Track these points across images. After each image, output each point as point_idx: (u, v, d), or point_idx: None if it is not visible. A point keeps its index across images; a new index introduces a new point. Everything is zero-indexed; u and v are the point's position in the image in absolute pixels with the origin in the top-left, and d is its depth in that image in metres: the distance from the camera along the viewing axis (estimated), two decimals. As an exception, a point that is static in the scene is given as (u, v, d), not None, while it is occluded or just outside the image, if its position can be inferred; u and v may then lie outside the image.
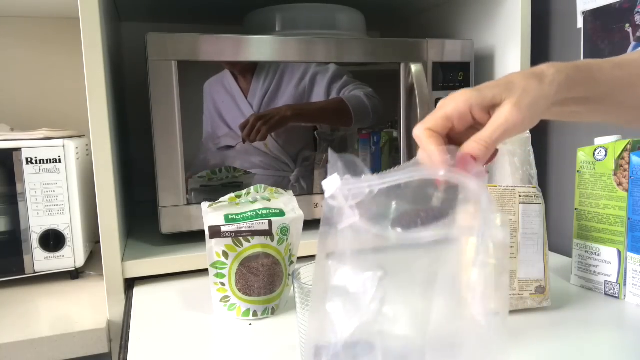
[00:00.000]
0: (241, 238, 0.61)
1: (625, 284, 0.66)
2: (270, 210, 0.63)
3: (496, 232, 0.38)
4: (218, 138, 0.80)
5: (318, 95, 0.83)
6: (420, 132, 0.44)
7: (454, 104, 0.44)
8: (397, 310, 0.38)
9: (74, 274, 0.83)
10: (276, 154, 0.83)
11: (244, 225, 0.61)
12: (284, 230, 0.63)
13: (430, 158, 0.43)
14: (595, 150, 0.68)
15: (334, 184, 0.39)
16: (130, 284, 0.73)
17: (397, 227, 0.39)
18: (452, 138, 0.46)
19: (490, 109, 0.44)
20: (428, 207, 0.40)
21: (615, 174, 0.66)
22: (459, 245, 0.39)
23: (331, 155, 0.41)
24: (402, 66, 0.87)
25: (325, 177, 0.40)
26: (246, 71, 0.80)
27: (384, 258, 0.39)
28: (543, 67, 0.44)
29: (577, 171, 0.71)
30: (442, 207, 0.40)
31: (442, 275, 0.39)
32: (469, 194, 0.39)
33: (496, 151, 0.46)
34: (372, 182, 0.39)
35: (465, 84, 0.91)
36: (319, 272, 0.40)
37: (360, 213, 0.39)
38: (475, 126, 0.45)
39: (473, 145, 0.43)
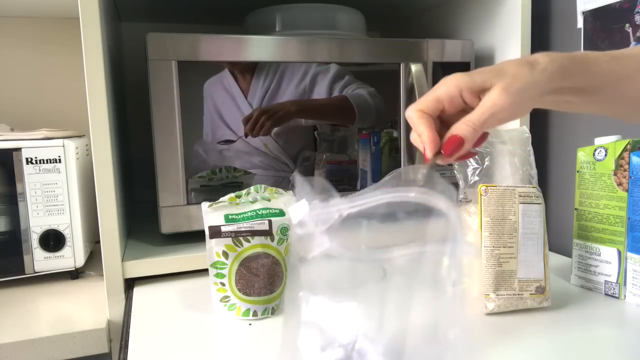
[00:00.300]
0: (241, 238, 0.61)
1: (625, 284, 0.66)
2: (270, 210, 0.63)
3: (468, 249, 0.38)
4: (218, 138, 0.80)
5: (319, 95, 0.83)
6: (412, 112, 0.46)
7: (445, 87, 0.46)
8: (372, 340, 0.38)
9: (74, 274, 0.83)
10: (276, 154, 0.83)
11: (244, 225, 0.61)
12: (284, 230, 0.63)
13: (420, 137, 0.45)
14: (595, 150, 0.68)
15: (302, 210, 0.38)
16: (130, 284, 0.73)
17: (369, 249, 0.39)
18: (444, 120, 0.47)
19: (481, 93, 0.45)
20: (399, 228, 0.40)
21: (615, 174, 0.66)
22: (431, 265, 0.38)
23: (297, 179, 0.40)
24: (402, 66, 0.87)
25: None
26: (246, 71, 0.80)
27: (358, 283, 0.38)
28: (537, 56, 0.45)
29: (577, 171, 0.71)
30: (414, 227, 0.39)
31: (417, 297, 0.38)
32: (439, 212, 0.39)
33: (485, 135, 0.47)
34: (341, 206, 0.38)
35: (465, 84, 0.91)
36: (291, 306, 0.39)
37: (331, 239, 0.38)
38: (467, 109, 0.46)
39: (461, 126, 0.44)
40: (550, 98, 0.47)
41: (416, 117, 0.46)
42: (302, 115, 0.83)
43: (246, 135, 0.80)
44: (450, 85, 0.45)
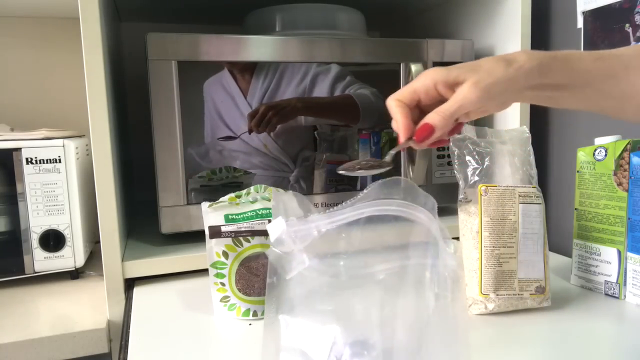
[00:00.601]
0: (241, 238, 0.61)
1: (625, 284, 0.66)
2: (270, 210, 0.63)
3: (450, 261, 0.38)
4: (217, 138, 0.80)
5: (320, 95, 0.83)
6: (390, 101, 0.51)
7: (423, 79, 0.50)
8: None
9: (74, 274, 0.83)
10: (276, 154, 0.83)
11: (244, 225, 0.61)
12: (284, 230, 0.63)
13: (397, 123, 0.50)
14: (595, 150, 0.68)
15: (279, 227, 0.38)
16: (130, 284, 0.73)
17: (348, 265, 0.38)
18: (423, 110, 0.51)
19: (455, 86, 0.48)
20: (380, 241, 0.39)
21: (615, 174, 0.66)
22: (413, 280, 0.38)
23: (274, 195, 0.40)
24: (402, 66, 0.87)
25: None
26: (245, 71, 0.80)
27: (339, 302, 0.37)
28: (516, 53, 0.48)
29: (577, 171, 0.71)
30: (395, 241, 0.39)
31: (401, 311, 0.37)
32: (420, 226, 0.39)
33: (459, 125, 0.52)
34: (320, 222, 0.38)
35: (465, 84, 0.91)
36: (269, 330, 0.38)
37: (309, 257, 0.37)
38: (443, 101, 0.49)
39: (432, 116, 0.48)
40: (530, 93, 0.49)
41: (394, 105, 0.50)
42: (307, 113, 0.83)
43: (250, 131, 0.80)
44: (427, 78, 0.49)
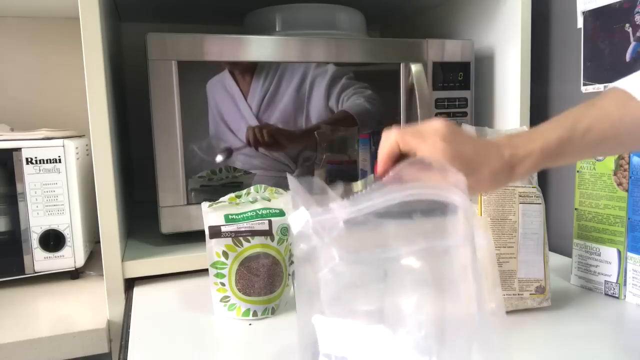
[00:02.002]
0: (241, 238, 0.61)
1: (625, 284, 0.66)
2: (270, 210, 0.63)
3: (480, 240, 0.36)
4: (219, 138, 0.80)
5: (317, 97, 0.83)
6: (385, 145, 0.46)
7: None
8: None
9: (74, 274, 0.83)
10: (276, 155, 0.83)
11: (244, 225, 0.61)
12: (284, 230, 0.63)
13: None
14: (595, 150, 0.68)
15: (302, 219, 0.33)
16: (130, 284, 0.73)
17: (383, 255, 0.34)
18: None
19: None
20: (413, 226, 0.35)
21: (615, 174, 0.66)
22: (455, 265, 0.35)
23: (291, 181, 0.35)
24: (402, 66, 0.87)
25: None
26: (245, 73, 0.80)
27: (377, 296, 0.34)
28: (515, 161, 0.45)
29: (577, 171, 0.71)
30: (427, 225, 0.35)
31: (449, 306, 0.34)
32: (454, 207, 0.35)
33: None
34: (345, 211, 0.34)
35: (465, 83, 0.91)
36: (304, 333, 0.34)
37: (340, 254, 0.33)
38: None
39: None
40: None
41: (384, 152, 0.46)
42: (309, 140, 0.84)
43: (248, 143, 0.80)
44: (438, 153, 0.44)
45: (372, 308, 0.34)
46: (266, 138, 0.81)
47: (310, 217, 0.33)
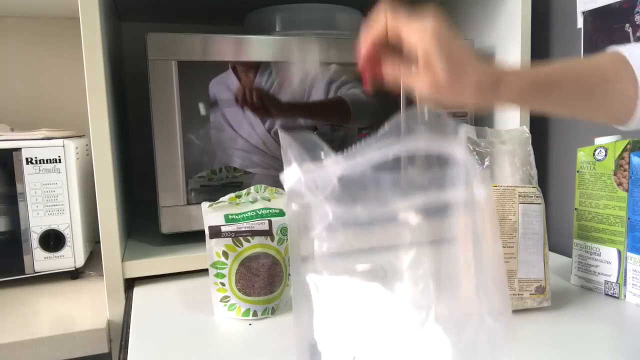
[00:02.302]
0: (241, 238, 0.61)
1: (625, 284, 0.66)
2: (270, 210, 0.63)
3: (479, 193, 0.33)
4: (221, 136, 0.80)
5: (317, 93, 0.83)
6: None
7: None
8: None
9: (74, 274, 0.83)
10: (275, 153, 0.83)
11: (244, 225, 0.61)
12: (284, 231, 0.63)
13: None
14: (595, 150, 0.68)
15: (294, 175, 0.32)
16: (130, 284, 0.73)
17: (379, 211, 0.32)
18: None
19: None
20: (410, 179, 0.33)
21: (615, 174, 0.66)
22: (449, 216, 0.33)
23: (282, 137, 0.33)
24: (402, 66, 0.87)
25: None
26: (249, 70, 0.80)
27: (374, 254, 0.32)
28: (501, 77, 0.43)
29: (577, 171, 0.71)
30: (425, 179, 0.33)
31: (448, 261, 0.32)
32: (453, 159, 0.33)
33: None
34: (339, 167, 0.32)
35: (465, 84, 0.91)
36: (299, 292, 0.32)
37: (334, 211, 0.32)
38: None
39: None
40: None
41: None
42: (296, 112, 0.83)
43: (236, 100, 0.79)
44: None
45: (368, 266, 0.32)
46: (255, 100, 0.80)
47: (302, 174, 0.32)
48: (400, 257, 0.32)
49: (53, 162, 0.79)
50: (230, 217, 0.62)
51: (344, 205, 0.32)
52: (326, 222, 0.32)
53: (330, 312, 0.32)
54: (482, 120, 0.97)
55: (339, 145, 0.87)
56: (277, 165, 0.83)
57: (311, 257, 0.32)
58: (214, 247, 0.61)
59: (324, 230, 0.32)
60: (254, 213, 0.62)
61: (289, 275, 0.64)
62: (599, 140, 0.69)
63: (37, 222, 0.79)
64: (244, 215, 0.62)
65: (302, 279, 0.32)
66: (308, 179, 0.32)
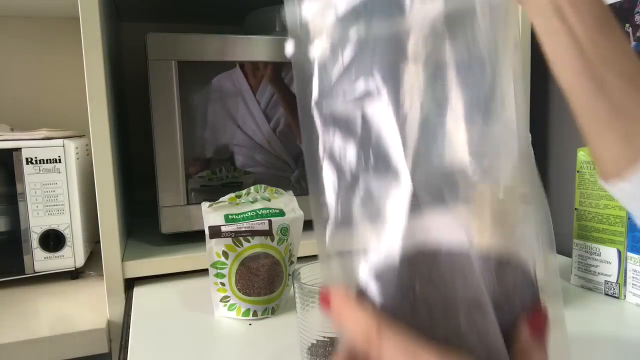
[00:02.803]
0: (241, 238, 0.61)
1: (625, 284, 0.66)
2: (270, 210, 0.63)
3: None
4: (224, 135, 0.80)
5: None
6: None
7: None
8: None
9: (74, 274, 0.83)
10: (278, 152, 0.83)
11: (244, 225, 0.61)
12: (284, 231, 0.63)
13: None
14: (595, 150, 0.68)
15: (294, 13, 0.27)
16: (130, 284, 0.73)
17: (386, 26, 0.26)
18: None
19: None
20: None
21: (615, 174, 0.66)
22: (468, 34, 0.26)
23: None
24: (402, 66, 0.87)
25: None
26: (257, 68, 0.80)
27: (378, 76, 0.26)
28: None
29: (577, 171, 0.71)
30: None
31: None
32: None
33: None
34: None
35: (465, 84, 0.91)
36: (307, 122, 0.28)
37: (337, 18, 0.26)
38: None
39: None
40: None
41: None
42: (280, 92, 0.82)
43: None
44: None
45: (374, 86, 0.27)
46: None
47: (301, 10, 0.27)
48: (411, 75, 0.27)
49: (53, 162, 0.79)
50: (230, 217, 0.62)
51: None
52: (329, 40, 0.26)
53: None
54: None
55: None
56: (279, 165, 0.83)
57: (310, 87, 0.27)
58: (214, 247, 0.61)
59: (328, 46, 0.27)
60: (254, 213, 0.62)
61: (289, 275, 0.64)
62: (599, 140, 0.69)
63: (37, 222, 0.79)
64: (244, 215, 0.62)
65: (309, 116, 0.28)
66: (307, 16, 0.27)
